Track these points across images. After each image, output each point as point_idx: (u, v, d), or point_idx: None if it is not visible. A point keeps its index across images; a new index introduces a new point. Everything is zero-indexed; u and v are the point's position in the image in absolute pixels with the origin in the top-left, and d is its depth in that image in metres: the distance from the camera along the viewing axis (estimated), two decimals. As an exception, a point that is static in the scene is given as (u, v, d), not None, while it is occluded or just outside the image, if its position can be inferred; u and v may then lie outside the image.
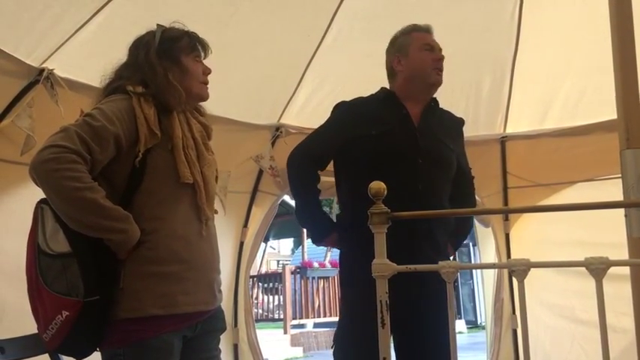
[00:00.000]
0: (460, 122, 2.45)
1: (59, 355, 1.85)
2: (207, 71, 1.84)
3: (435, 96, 2.34)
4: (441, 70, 2.26)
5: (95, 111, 1.63)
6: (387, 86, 2.39)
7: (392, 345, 2.14)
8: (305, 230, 13.06)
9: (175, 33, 1.81)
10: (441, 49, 2.29)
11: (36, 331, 2.22)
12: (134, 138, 1.64)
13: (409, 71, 2.28)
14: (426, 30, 2.31)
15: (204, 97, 1.85)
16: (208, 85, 1.86)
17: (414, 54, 2.27)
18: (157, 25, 1.81)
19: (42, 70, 2.82)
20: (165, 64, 1.74)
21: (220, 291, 1.82)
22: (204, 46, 1.86)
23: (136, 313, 1.59)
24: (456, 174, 2.32)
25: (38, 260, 1.58)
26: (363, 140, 2.19)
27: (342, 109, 2.33)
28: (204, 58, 1.87)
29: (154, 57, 1.74)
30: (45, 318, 1.57)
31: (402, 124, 2.23)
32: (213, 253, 1.78)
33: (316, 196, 2.29)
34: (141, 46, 1.77)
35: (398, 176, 2.08)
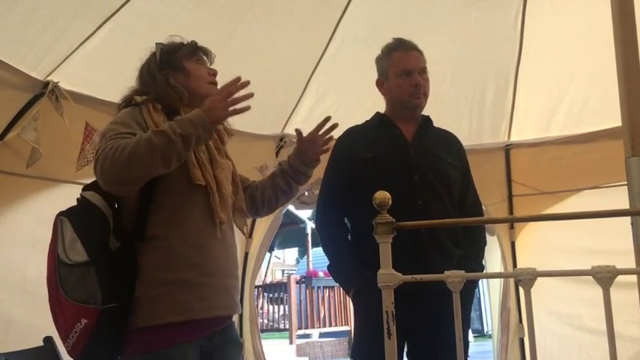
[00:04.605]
0: (458, 142, 2.39)
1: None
2: (212, 71, 1.86)
3: (428, 114, 2.32)
4: (419, 94, 2.21)
5: (108, 126, 1.67)
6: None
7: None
8: (310, 240, 13.09)
9: (173, 45, 1.86)
10: (422, 69, 2.23)
11: (41, 344, 2.23)
12: None
13: (390, 96, 2.29)
14: (406, 49, 2.24)
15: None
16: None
17: (392, 80, 2.24)
18: (156, 43, 1.86)
19: (47, 83, 2.85)
20: (166, 72, 1.79)
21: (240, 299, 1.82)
22: (205, 51, 1.88)
23: (152, 322, 1.60)
24: (462, 194, 2.26)
25: (58, 270, 1.60)
26: (360, 164, 2.20)
27: (339, 141, 2.33)
28: (210, 64, 1.89)
29: (155, 69, 1.80)
30: (65, 327, 1.59)
31: (395, 143, 2.23)
32: (228, 259, 1.77)
33: (349, 251, 2.22)
34: (144, 65, 1.84)
35: (396, 194, 2.06)
